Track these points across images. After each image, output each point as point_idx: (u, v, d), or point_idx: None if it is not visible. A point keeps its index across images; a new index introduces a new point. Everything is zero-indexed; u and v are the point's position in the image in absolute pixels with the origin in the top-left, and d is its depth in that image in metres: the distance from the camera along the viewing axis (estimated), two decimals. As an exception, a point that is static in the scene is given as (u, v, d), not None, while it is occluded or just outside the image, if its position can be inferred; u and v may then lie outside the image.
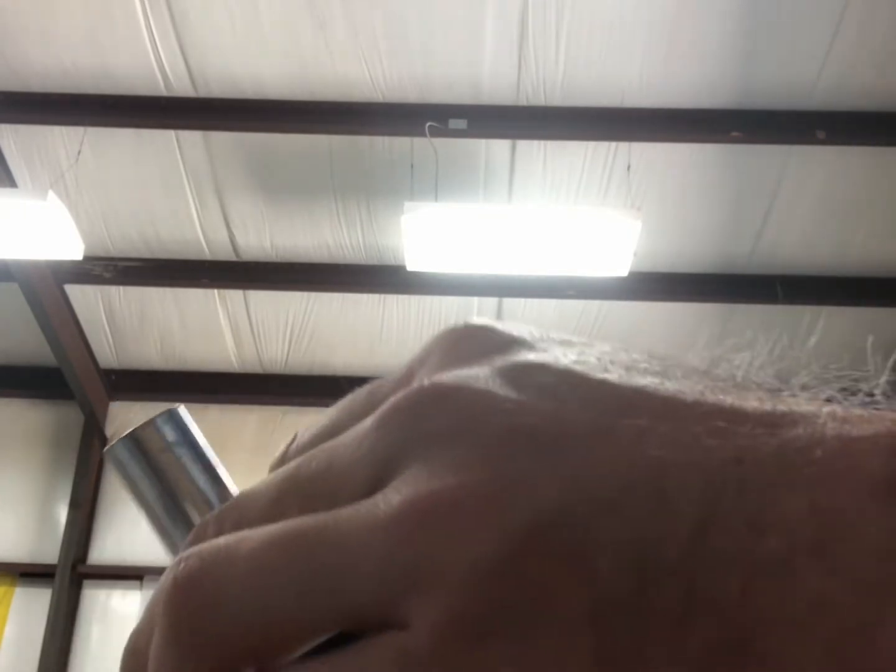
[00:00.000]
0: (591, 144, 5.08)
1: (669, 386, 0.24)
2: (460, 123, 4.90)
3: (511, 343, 0.26)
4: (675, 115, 4.89)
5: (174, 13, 4.62)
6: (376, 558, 0.22)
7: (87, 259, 5.36)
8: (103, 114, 4.95)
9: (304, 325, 6.35)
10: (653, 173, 5.20)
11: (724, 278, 5.86)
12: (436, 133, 4.84)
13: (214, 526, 0.25)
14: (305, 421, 0.29)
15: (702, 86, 4.82)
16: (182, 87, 4.92)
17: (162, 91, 4.93)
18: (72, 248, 4.88)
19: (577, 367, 0.24)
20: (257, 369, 6.75)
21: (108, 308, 6.31)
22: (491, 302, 6.13)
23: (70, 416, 6.81)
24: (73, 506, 6.62)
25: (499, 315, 6.20)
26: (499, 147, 5.18)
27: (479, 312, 6.18)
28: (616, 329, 6.20)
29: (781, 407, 0.23)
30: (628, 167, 5.06)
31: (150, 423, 0.27)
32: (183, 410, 0.28)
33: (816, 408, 0.23)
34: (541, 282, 5.61)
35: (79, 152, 5.09)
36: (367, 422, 0.24)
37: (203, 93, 4.95)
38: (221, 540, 0.23)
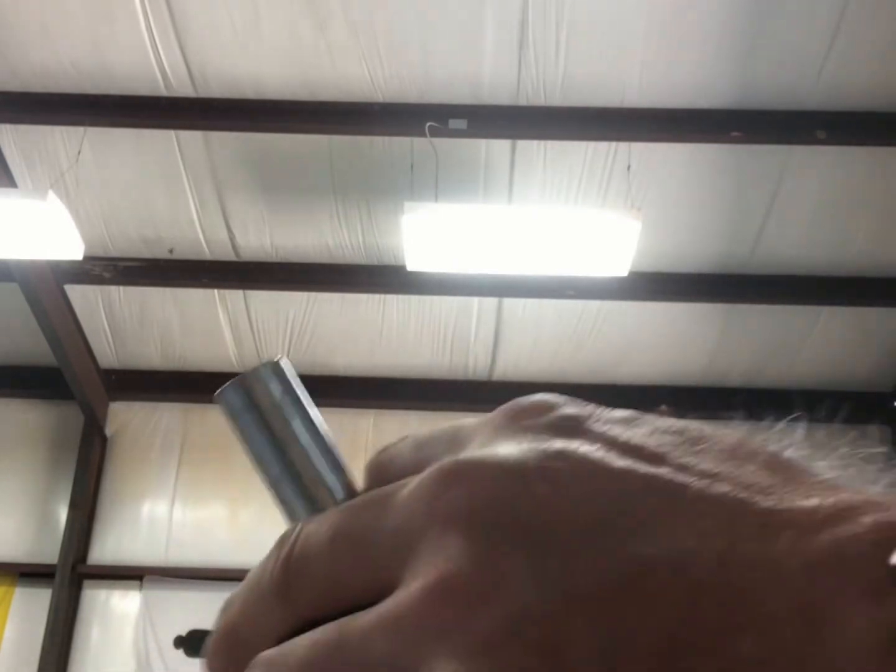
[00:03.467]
0: (591, 145, 5.08)
1: (679, 476, 0.24)
2: (460, 123, 4.90)
3: (558, 424, 0.26)
4: (675, 115, 4.89)
5: (174, 13, 4.62)
6: (388, 662, 0.24)
7: (87, 259, 5.36)
8: (103, 114, 4.95)
9: (304, 325, 6.35)
10: (653, 173, 5.20)
11: (724, 278, 5.86)
12: (436, 133, 4.84)
13: (285, 553, 0.27)
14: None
15: (702, 86, 4.82)
16: (182, 87, 4.92)
17: (162, 91, 4.93)
18: (72, 248, 4.88)
19: (593, 455, 0.25)
20: (257, 369, 6.74)
21: (108, 308, 6.31)
22: (491, 302, 6.12)
23: (70, 416, 6.81)
24: (73, 506, 6.62)
25: (499, 315, 6.21)
26: (499, 147, 5.18)
27: (479, 312, 6.18)
28: (616, 329, 6.19)
29: (781, 504, 0.23)
30: (628, 167, 5.06)
31: (255, 370, 0.29)
32: (286, 362, 0.30)
33: (815, 503, 0.23)
34: (541, 282, 5.60)
35: (79, 152, 5.09)
36: (404, 493, 0.26)
37: (203, 93, 4.95)
38: (275, 651, 0.26)
